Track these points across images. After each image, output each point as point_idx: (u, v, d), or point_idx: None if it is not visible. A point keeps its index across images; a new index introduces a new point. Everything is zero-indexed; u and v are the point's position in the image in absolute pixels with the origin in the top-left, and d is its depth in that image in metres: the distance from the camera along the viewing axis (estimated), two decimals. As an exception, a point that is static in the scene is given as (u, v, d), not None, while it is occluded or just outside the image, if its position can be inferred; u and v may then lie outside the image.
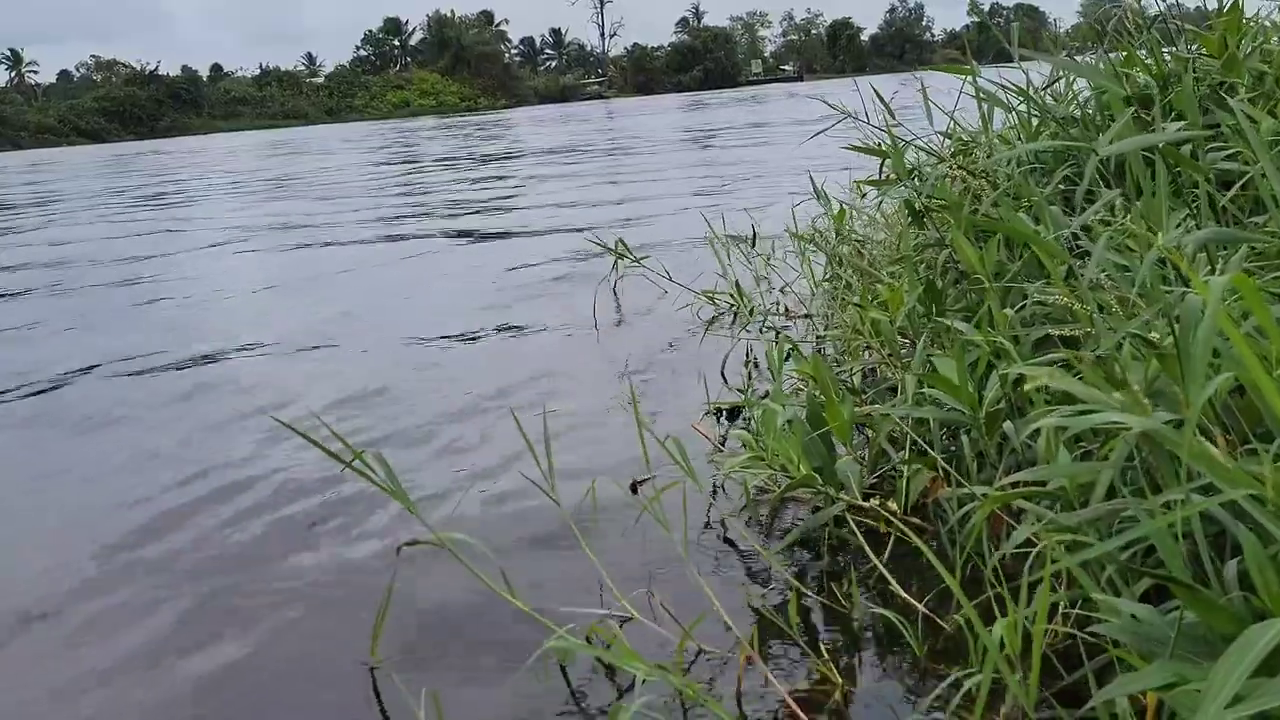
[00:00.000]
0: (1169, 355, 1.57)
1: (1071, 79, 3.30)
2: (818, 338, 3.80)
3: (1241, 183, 2.32)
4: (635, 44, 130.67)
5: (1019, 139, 3.24)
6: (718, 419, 3.28)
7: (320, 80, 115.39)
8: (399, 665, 2.03)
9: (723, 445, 3.01)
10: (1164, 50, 3.04)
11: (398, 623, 2.14)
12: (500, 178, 16.54)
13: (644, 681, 1.59)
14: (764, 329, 4.32)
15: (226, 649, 2.19)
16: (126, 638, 2.28)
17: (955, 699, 1.59)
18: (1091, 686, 1.47)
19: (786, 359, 2.98)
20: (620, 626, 2.02)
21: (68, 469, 3.51)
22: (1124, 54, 3.15)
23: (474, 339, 4.95)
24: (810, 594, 2.13)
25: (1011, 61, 3.16)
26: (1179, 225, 2.15)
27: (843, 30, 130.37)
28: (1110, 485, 1.60)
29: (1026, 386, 1.70)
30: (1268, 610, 1.25)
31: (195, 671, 2.11)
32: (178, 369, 4.69)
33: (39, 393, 4.60)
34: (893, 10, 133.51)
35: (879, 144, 3.38)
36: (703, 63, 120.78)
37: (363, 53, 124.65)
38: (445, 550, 1.95)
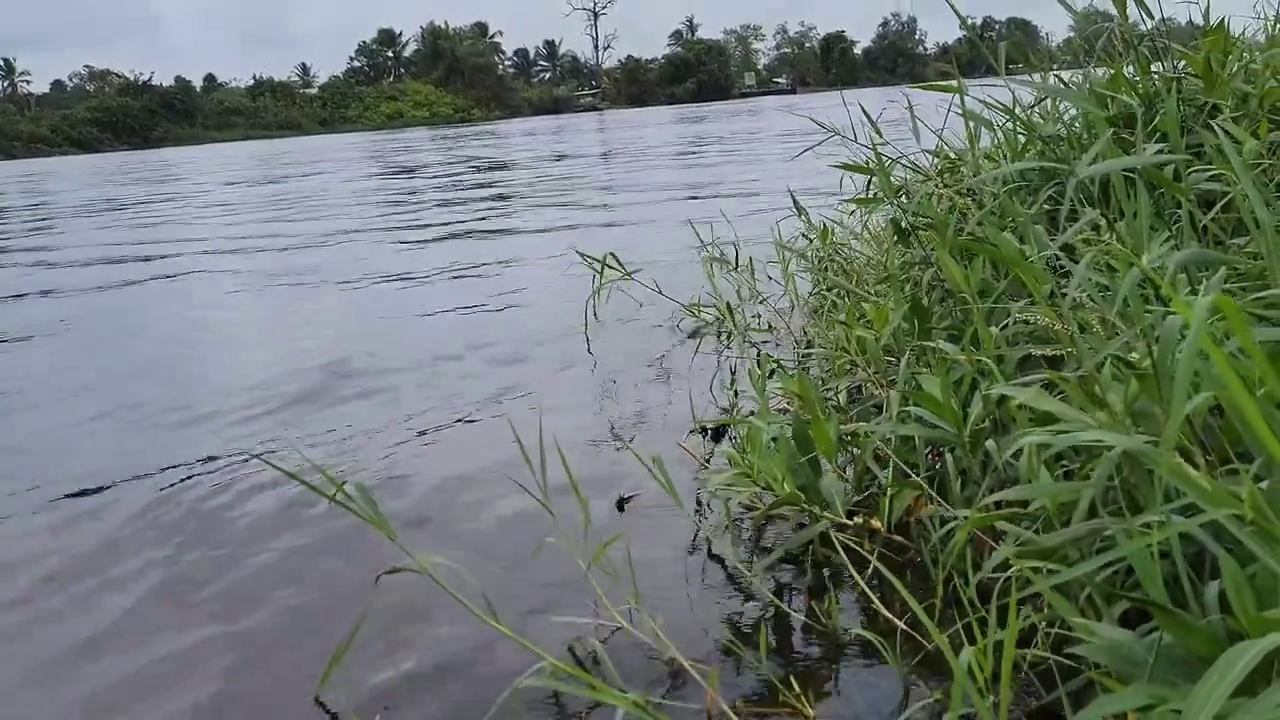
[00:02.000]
0: (1148, 376, 1.58)
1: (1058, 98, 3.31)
2: (802, 355, 3.80)
3: (1223, 203, 2.33)
4: (629, 56, 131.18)
5: (1005, 158, 3.26)
6: (703, 437, 3.29)
7: (314, 91, 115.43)
8: (369, 691, 2.02)
9: (708, 463, 3.01)
10: (1151, 68, 3.05)
11: (370, 649, 2.14)
12: (492, 189, 16.56)
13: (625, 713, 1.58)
14: (746, 346, 4.33)
15: (178, 679, 2.15)
16: (72, 647, 2.29)
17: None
18: (1066, 708, 1.48)
19: (771, 376, 2.98)
20: (604, 642, 2.02)
21: (43, 490, 3.49)
22: (1111, 72, 3.17)
23: (461, 356, 4.94)
24: (791, 612, 2.13)
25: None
26: (1161, 246, 2.17)
27: (836, 43, 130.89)
28: (1092, 506, 1.61)
29: (1012, 396, 1.71)
30: (1245, 632, 1.26)
31: (136, 694, 2.10)
32: (170, 406, 4.65)
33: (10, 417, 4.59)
34: (886, 24, 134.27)
35: (866, 162, 3.39)
36: (696, 75, 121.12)
37: (356, 63, 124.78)
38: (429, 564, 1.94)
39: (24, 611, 2.52)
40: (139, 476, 3.44)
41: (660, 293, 5.13)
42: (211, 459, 3.56)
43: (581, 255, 5.02)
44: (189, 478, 3.38)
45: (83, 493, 3.35)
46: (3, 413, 4.53)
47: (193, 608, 2.47)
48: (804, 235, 5.09)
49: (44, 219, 17.56)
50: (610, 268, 4.98)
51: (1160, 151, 2.42)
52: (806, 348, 3.93)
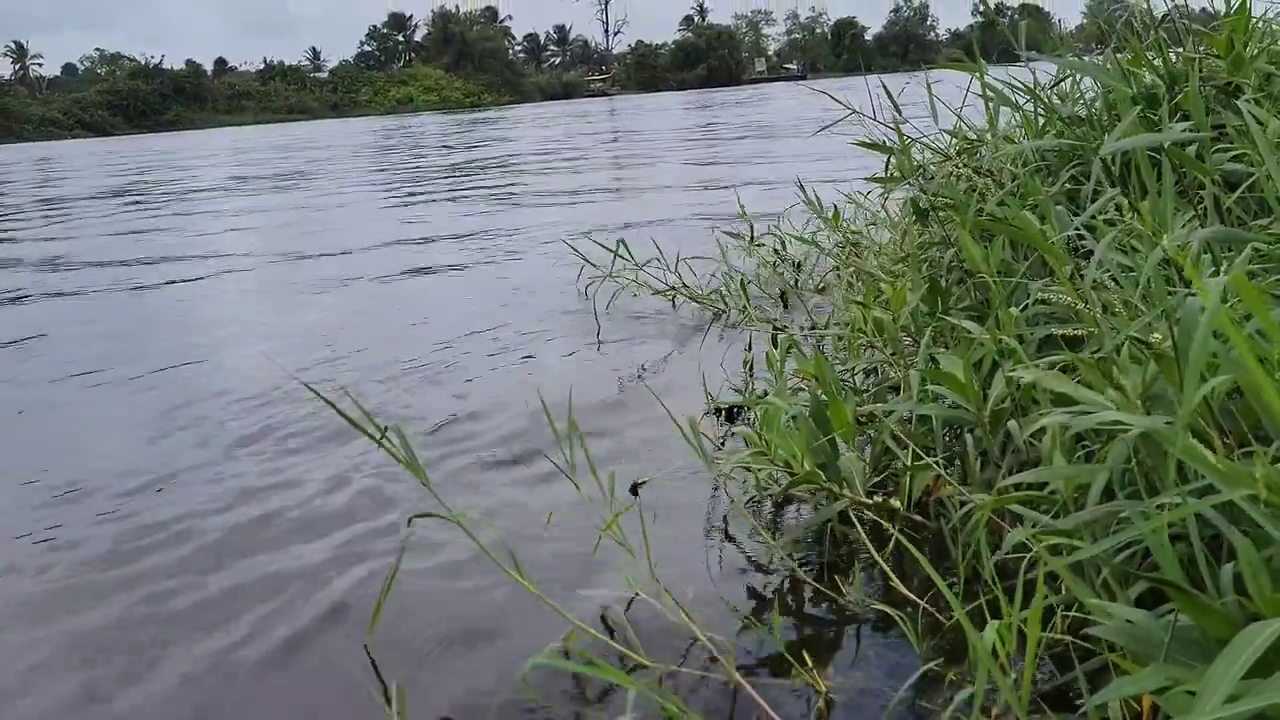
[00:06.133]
0: (1167, 357, 1.57)
1: (1078, 78, 3.28)
2: (819, 336, 3.79)
3: (1247, 184, 2.31)
4: (639, 41, 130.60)
5: (1024, 138, 3.23)
6: (719, 418, 3.28)
7: (324, 75, 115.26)
8: (394, 647, 2.04)
9: (724, 444, 3.01)
10: (1171, 51, 3.02)
11: (402, 601, 2.16)
12: (500, 168, 16.55)
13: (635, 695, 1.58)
14: (762, 326, 4.32)
15: (227, 623, 2.22)
16: (114, 603, 2.37)
17: (951, 705, 1.59)
18: (1083, 688, 1.47)
19: (787, 355, 2.97)
20: (625, 610, 2.03)
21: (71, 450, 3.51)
22: (1131, 54, 3.14)
23: (476, 344, 4.91)
24: (810, 587, 2.14)
25: (1016, 62, 3.15)
26: (1184, 226, 2.15)
27: (847, 29, 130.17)
28: (1110, 489, 1.60)
29: (1022, 376, 1.69)
30: (1261, 613, 1.25)
31: (174, 648, 2.15)
32: (188, 367, 4.67)
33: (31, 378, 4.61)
34: (897, 9, 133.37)
35: (885, 141, 3.37)
36: (706, 61, 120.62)
37: (367, 48, 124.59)
38: (457, 532, 1.97)
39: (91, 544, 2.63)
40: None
41: (674, 272, 5.11)
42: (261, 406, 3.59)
43: (595, 250, 5.00)
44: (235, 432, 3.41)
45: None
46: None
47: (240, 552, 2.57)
48: (820, 221, 5.07)
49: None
50: (622, 258, 4.97)
51: (1185, 131, 2.40)
52: (822, 329, 3.91)
